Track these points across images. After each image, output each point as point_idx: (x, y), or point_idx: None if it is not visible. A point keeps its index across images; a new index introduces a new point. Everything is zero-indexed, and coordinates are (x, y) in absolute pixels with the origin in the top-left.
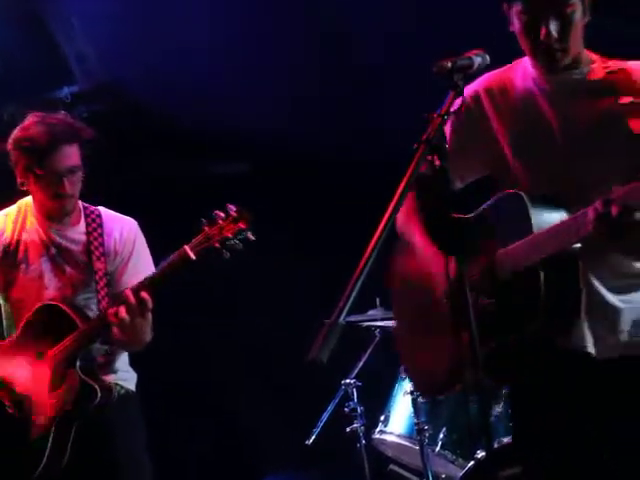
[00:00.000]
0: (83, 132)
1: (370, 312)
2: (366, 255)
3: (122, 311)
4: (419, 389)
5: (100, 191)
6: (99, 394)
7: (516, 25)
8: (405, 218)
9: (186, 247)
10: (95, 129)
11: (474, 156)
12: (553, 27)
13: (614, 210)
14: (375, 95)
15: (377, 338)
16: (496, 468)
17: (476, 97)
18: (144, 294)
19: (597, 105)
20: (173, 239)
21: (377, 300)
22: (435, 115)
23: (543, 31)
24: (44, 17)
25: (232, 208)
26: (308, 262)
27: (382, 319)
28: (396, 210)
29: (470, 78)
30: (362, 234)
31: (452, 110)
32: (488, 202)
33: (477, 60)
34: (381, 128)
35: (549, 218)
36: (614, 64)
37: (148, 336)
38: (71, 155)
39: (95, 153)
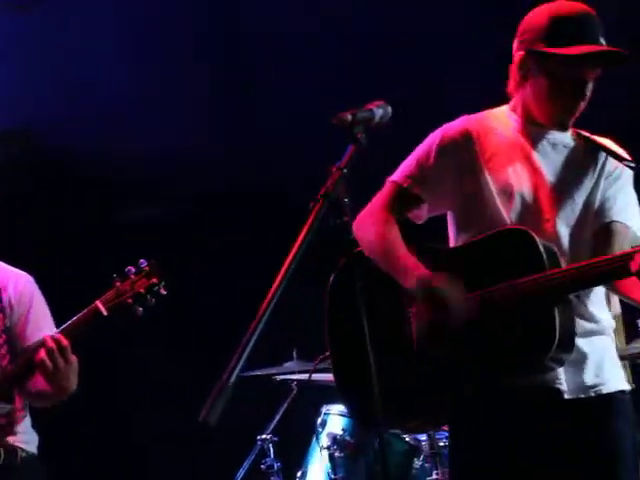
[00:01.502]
0: None
1: (286, 364)
2: (260, 312)
3: (42, 353)
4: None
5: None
6: (2, 456)
7: (542, 77)
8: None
9: (98, 302)
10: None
11: (452, 190)
12: (588, 90)
13: None
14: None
15: (294, 391)
16: None
17: (465, 134)
18: (62, 338)
19: (578, 164)
20: (84, 286)
21: (294, 352)
22: (335, 169)
23: (576, 96)
24: None
25: (143, 262)
26: (226, 304)
27: (299, 372)
28: (291, 266)
29: (371, 131)
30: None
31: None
32: (482, 235)
33: (378, 112)
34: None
35: (555, 258)
36: (582, 132)
37: (72, 384)
38: None
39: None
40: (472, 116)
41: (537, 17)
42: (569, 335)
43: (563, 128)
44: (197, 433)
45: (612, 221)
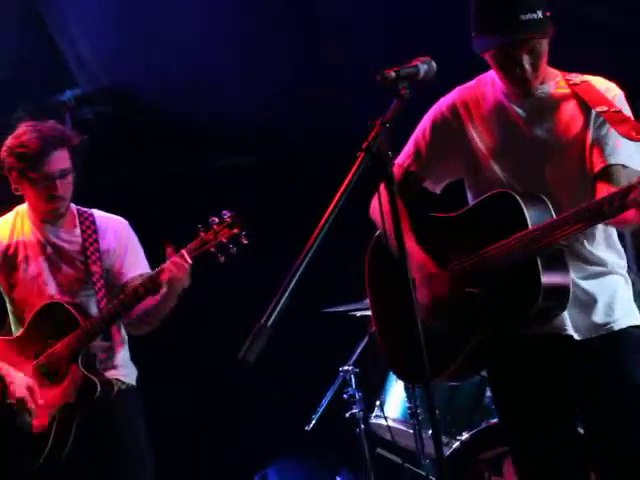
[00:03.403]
0: (71, 138)
1: (366, 300)
2: (299, 259)
3: (166, 272)
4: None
5: (106, 188)
6: (99, 388)
7: (487, 57)
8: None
9: (183, 251)
10: (101, 129)
11: (450, 162)
12: (526, 62)
13: None
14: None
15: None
16: (477, 450)
17: (453, 108)
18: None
19: (563, 114)
20: (180, 231)
21: None
22: (378, 123)
23: (518, 69)
24: (44, 22)
25: (226, 214)
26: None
27: None
28: (332, 216)
29: (417, 86)
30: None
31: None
32: (475, 201)
33: (423, 68)
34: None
35: (539, 214)
36: (575, 76)
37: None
38: (61, 159)
39: (99, 154)
40: (463, 86)
41: None
42: (561, 281)
43: (526, 93)
44: (282, 364)
45: (608, 165)
